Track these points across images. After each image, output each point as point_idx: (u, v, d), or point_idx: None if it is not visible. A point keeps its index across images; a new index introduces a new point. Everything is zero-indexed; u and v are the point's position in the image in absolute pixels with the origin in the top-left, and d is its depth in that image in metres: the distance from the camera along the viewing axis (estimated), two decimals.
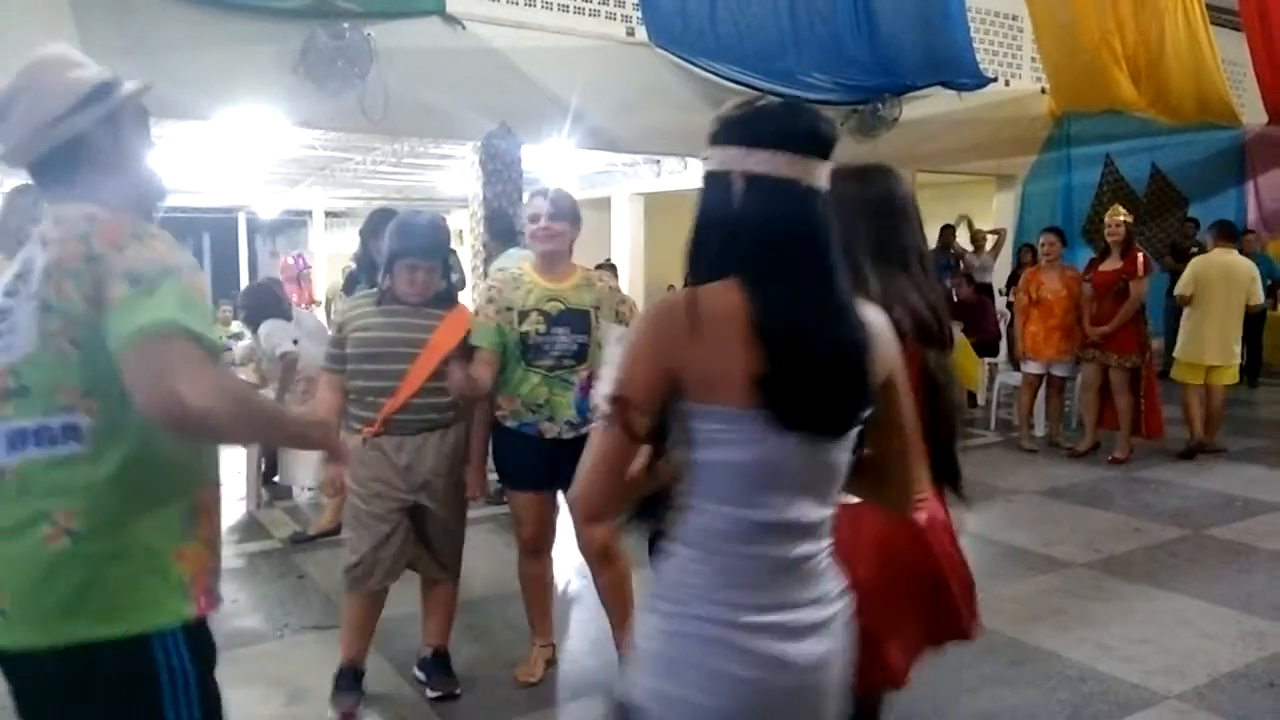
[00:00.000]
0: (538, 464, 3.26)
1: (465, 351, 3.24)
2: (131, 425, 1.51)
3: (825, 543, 1.51)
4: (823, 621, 1.49)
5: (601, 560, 3.31)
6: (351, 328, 3.22)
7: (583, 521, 1.48)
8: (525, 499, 3.34)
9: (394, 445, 3.19)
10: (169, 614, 1.56)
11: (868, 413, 1.47)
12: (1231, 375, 7.20)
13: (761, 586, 1.44)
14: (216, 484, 1.71)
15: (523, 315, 3.22)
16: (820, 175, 1.45)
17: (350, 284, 5.86)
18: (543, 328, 3.20)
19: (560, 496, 3.33)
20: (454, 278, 6.59)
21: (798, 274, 1.42)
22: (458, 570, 3.41)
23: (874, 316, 1.53)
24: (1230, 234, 7.41)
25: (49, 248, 1.53)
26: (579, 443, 3.12)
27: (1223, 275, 7.05)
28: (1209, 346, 7.01)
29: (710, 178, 1.48)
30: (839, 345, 1.43)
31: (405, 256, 3.19)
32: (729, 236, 1.45)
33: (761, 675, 1.43)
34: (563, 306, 3.22)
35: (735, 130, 1.46)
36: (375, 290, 3.29)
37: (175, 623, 1.56)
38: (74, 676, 1.54)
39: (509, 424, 3.27)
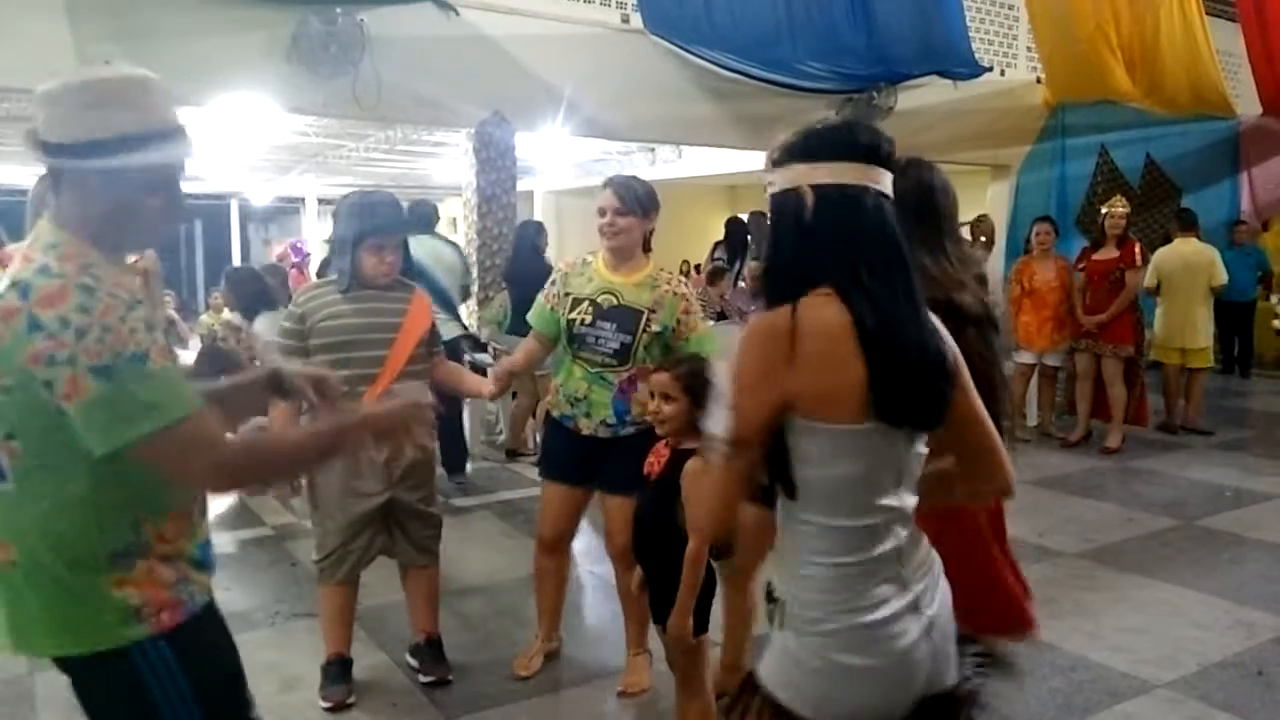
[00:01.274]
0: (572, 458, 3.26)
1: (431, 336, 3.25)
2: (57, 469, 1.49)
3: (915, 523, 1.59)
4: (931, 581, 1.58)
5: (625, 559, 3.23)
6: (318, 317, 3.10)
7: (710, 540, 1.56)
8: (552, 489, 3.34)
9: None
10: (119, 638, 1.54)
11: (950, 404, 1.54)
12: (1205, 358, 7.66)
13: (891, 575, 1.51)
14: (184, 513, 1.65)
15: (576, 303, 3.17)
16: (885, 182, 1.51)
17: (324, 268, 5.81)
18: (589, 318, 3.13)
19: (601, 496, 3.30)
20: (468, 284, 6.58)
21: (883, 277, 1.47)
22: (436, 554, 3.38)
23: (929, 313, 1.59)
24: (1190, 223, 7.88)
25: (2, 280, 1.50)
26: (616, 444, 3.16)
27: (1183, 264, 7.58)
28: (1176, 331, 7.56)
29: (778, 198, 1.53)
30: (927, 340, 1.50)
31: (372, 236, 3.09)
32: (806, 249, 1.49)
33: (912, 653, 1.51)
34: (615, 301, 3.13)
35: (797, 149, 1.51)
36: (337, 277, 3.16)
37: (133, 640, 1.54)
38: (76, 683, 1.59)
39: (554, 414, 3.28)
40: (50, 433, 1.46)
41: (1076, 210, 9.84)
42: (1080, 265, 7.05)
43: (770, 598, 1.58)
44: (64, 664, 1.58)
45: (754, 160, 8.60)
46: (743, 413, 1.44)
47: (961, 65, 8.78)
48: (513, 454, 6.75)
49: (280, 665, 3.48)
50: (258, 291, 5.66)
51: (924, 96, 8.84)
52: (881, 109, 8.61)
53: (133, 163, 1.52)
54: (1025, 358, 7.33)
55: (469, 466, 6.45)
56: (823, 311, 1.44)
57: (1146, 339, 7.67)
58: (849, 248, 1.47)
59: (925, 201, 2.18)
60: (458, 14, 6.82)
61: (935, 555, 1.63)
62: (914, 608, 1.52)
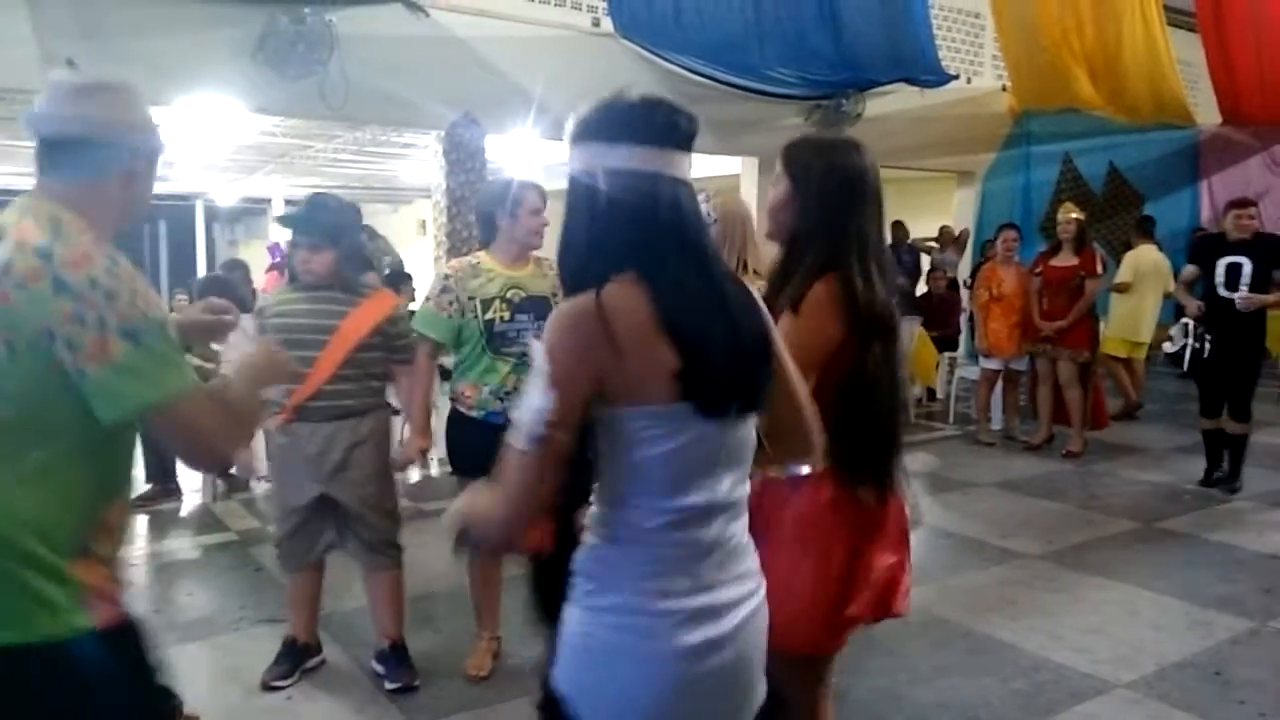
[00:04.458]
0: (489, 451, 3.23)
1: (386, 341, 3.25)
2: (42, 441, 1.47)
3: (743, 519, 1.55)
4: (743, 597, 1.52)
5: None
6: (269, 314, 3.23)
7: (503, 549, 1.48)
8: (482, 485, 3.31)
9: (307, 432, 3.19)
10: (63, 625, 1.49)
11: (772, 381, 1.52)
12: (1145, 350, 8.48)
13: (688, 571, 1.46)
14: (125, 503, 1.66)
15: (486, 304, 3.23)
16: (683, 166, 1.47)
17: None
18: (507, 315, 3.23)
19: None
20: (381, 262, 6.52)
21: (681, 264, 1.44)
22: (396, 559, 3.38)
23: (752, 289, 1.57)
24: (1148, 231, 8.58)
25: (2, 246, 1.49)
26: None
27: (1153, 267, 8.20)
28: (1143, 326, 8.21)
29: (575, 179, 1.48)
30: (739, 327, 1.46)
31: (292, 234, 3.26)
32: (600, 234, 1.46)
33: (692, 657, 1.45)
34: (524, 294, 3.26)
35: (593, 128, 1.47)
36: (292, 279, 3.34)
37: (77, 631, 1.50)
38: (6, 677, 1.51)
39: (474, 414, 3.25)
40: (50, 401, 1.45)
41: (1041, 217, 9.97)
42: (1036, 270, 7.13)
43: (571, 574, 1.54)
44: None
45: (723, 164, 8.65)
46: (559, 397, 1.38)
47: (928, 72, 8.87)
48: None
49: (244, 670, 3.44)
50: (223, 297, 5.59)
51: (891, 103, 8.92)
52: (849, 115, 8.68)
53: (130, 150, 1.63)
54: (992, 363, 7.41)
55: (433, 470, 6.43)
56: (626, 296, 1.41)
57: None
58: (643, 235, 1.43)
59: (847, 187, 2.08)
60: (428, 15, 6.80)
61: (759, 580, 1.57)
62: (706, 616, 1.46)
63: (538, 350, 1.42)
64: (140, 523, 5.15)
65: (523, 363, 3.19)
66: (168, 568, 4.61)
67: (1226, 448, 6.01)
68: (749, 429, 1.52)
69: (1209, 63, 10.34)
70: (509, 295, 3.25)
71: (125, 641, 1.58)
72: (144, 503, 5.35)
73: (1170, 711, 3.26)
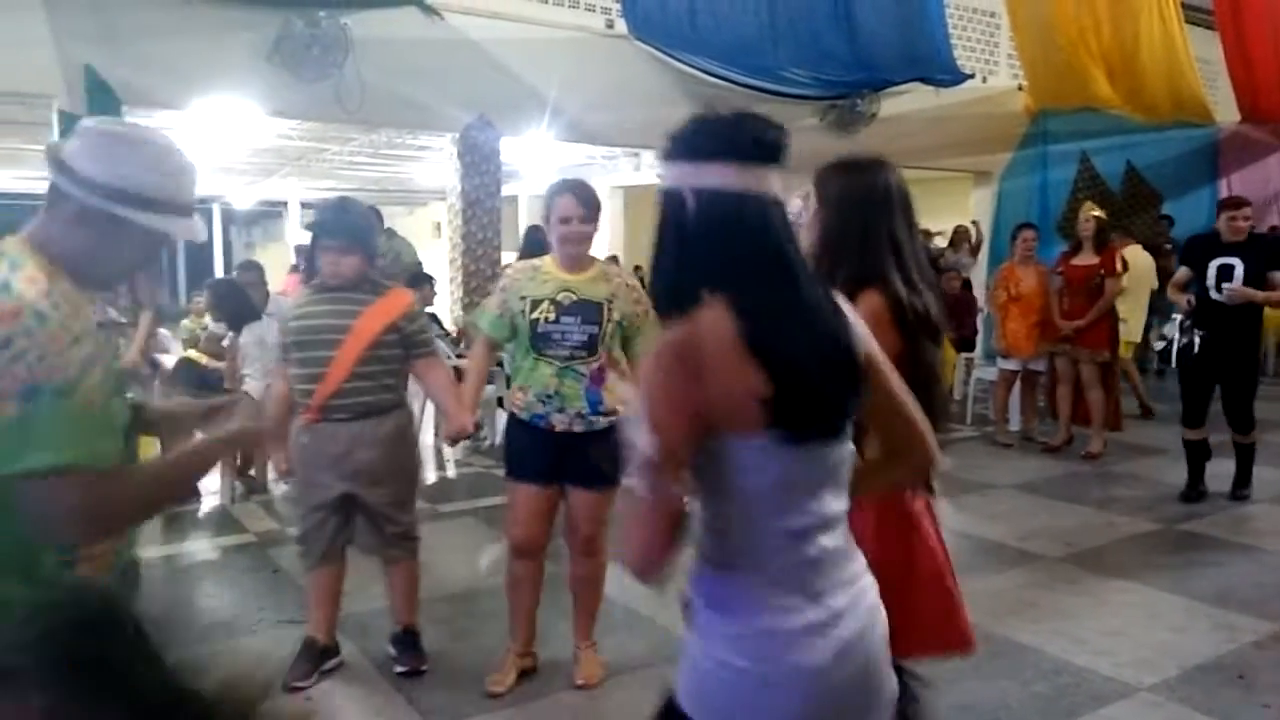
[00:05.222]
0: (542, 457, 3.25)
1: (403, 338, 3.30)
2: None
3: (844, 527, 1.55)
4: (856, 599, 1.52)
5: (586, 551, 3.34)
6: (289, 317, 3.31)
7: (643, 580, 1.49)
8: (523, 491, 3.30)
9: (329, 432, 3.24)
10: None
11: (861, 401, 1.51)
12: (1133, 350, 8.50)
13: (804, 586, 1.47)
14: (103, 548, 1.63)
15: (535, 304, 3.21)
16: (771, 182, 1.45)
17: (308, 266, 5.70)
18: (553, 316, 3.17)
19: (569, 491, 3.31)
20: (381, 262, 6.55)
21: (769, 286, 1.43)
22: (412, 550, 3.49)
23: (844, 302, 1.55)
24: (1134, 233, 8.77)
25: None
26: (588, 438, 3.19)
27: (1147, 268, 8.18)
28: (1136, 326, 8.16)
29: (664, 195, 1.47)
30: (825, 347, 1.45)
31: (318, 239, 3.29)
32: (688, 255, 1.45)
33: (822, 670, 1.46)
34: (575, 297, 3.19)
35: (681, 145, 1.46)
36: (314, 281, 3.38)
37: None
38: None
39: (522, 416, 3.27)
40: None
41: (1058, 216, 9.92)
42: (1058, 269, 7.09)
43: (683, 602, 1.55)
44: None
45: None
46: (663, 430, 1.36)
47: (943, 72, 8.85)
48: None
49: None
50: (240, 305, 5.61)
51: (907, 103, 8.89)
52: (864, 115, 8.66)
53: (142, 222, 1.58)
54: (1010, 364, 7.37)
55: (450, 472, 6.44)
56: (716, 322, 1.39)
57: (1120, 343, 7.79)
58: (730, 255, 1.42)
59: (873, 201, 2.16)
60: (442, 18, 6.82)
61: (869, 580, 1.57)
62: (827, 626, 1.46)
63: (627, 390, 1.45)
64: (158, 524, 5.18)
65: (568, 367, 3.17)
66: (186, 570, 4.64)
67: (1209, 459, 5.81)
68: (846, 446, 1.52)
69: (1227, 59, 10.28)
70: (559, 298, 3.19)
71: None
72: None
73: (1193, 715, 3.22)
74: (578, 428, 3.18)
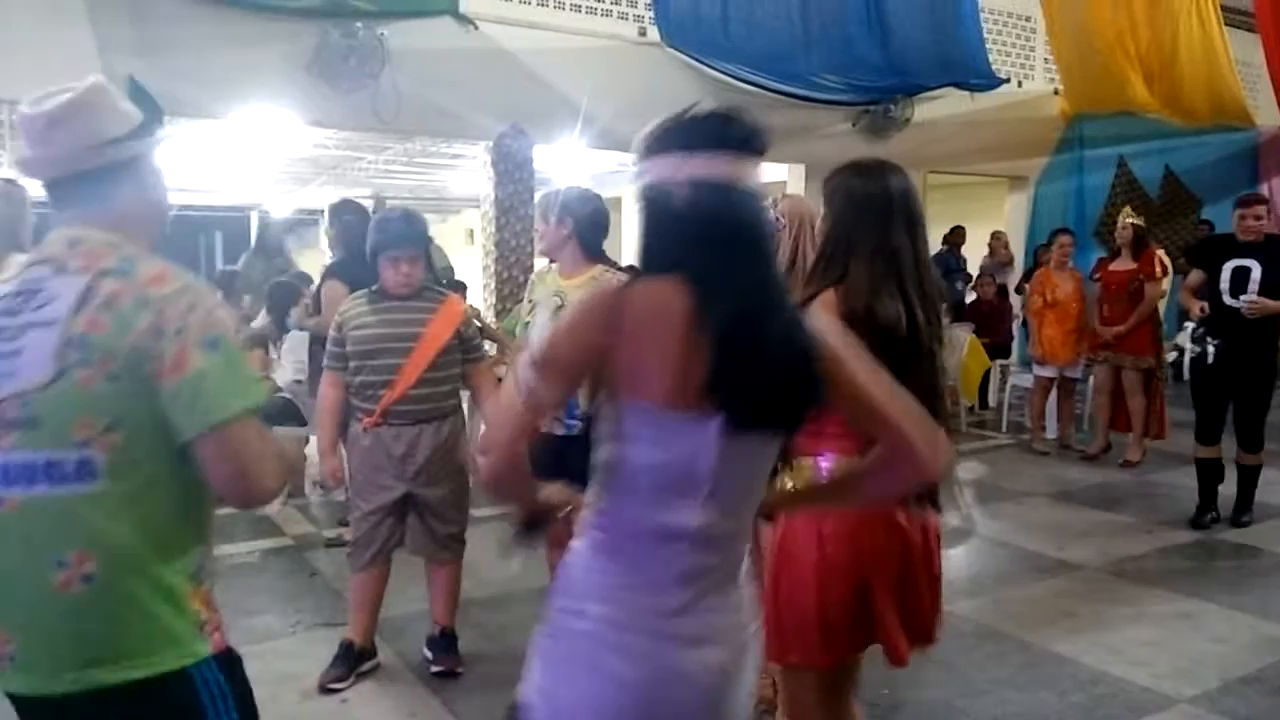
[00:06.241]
0: (557, 461, 3.25)
1: (461, 344, 3.39)
2: (155, 462, 1.46)
3: (735, 554, 1.50)
4: (724, 630, 1.48)
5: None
6: (350, 326, 3.35)
7: (488, 489, 1.53)
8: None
9: (392, 435, 3.31)
10: (189, 654, 1.49)
11: (818, 406, 1.48)
12: None
13: (663, 591, 1.43)
14: (212, 514, 1.64)
15: (532, 308, 3.36)
16: (741, 172, 1.47)
17: (335, 269, 5.53)
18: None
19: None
20: (438, 269, 6.61)
21: (739, 273, 1.43)
22: (459, 552, 3.54)
23: (807, 311, 1.56)
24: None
25: (72, 276, 1.47)
26: (573, 441, 3.19)
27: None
28: None
29: (647, 190, 1.48)
30: (786, 341, 1.43)
31: (386, 250, 3.31)
32: (655, 239, 1.48)
33: (651, 680, 1.41)
34: (559, 303, 3.28)
35: (652, 140, 1.49)
36: (369, 289, 3.41)
37: (200, 659, 1.50)
38: (114, 712, 1.48)
39: None
40: (155, 424, 1.43)
41: (1095, 222, 9.81)
42: (1096, 275, 7.01)
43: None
44: (86, 703, 1.45)
45: (769, 171, 8.63)
46: (552, 347, 1.43)
47: (978, 76, 8.79)
48: None
49: (300, 675, 3.49)
50: (290, 307, 5.67)
51: (941, 108, 8.84)
52: (898, 120, 8.62)
53: (128, 163, 1.59)
54: (1046, 371, 7.29)
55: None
56: (657, 295, 1.40)
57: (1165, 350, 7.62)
58: (692, 240, 1.42)
59: (878, 207, 2.12)
60: (476, 28, 6.88)
61: (757, 628, 1.54)
62: (691, 640, 1.43)
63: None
64: None
65: None
66: (224, 572, 4.70)
67: (1221, 482, 5.42)
68: (762, 461, 1.49)
69: (1268, 60, 10.10)
70: (549, 303, 3.31)
71: (233, 667, 1.58)
72: None
73: None
74: (558, 430, 3.21)
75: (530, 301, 3.39)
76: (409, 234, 3.35)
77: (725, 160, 1.43)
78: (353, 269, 4.18)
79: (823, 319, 1.89)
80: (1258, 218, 5.13)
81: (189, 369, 1.42)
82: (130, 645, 1.46)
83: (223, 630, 1.58)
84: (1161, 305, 7.05)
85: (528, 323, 3.37)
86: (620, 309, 1.40)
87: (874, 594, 2.11)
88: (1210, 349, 5.11)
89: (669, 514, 1.42)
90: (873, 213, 2.12)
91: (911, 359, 2.02)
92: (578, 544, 1.51)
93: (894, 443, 1.51)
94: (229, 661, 1.58)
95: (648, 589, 1.43)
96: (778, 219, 2.90)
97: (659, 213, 1.47)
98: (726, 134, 1.45)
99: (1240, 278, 5.04)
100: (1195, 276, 5.45)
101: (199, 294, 1.48)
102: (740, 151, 1.45)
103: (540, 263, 7.32)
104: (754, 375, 1.38)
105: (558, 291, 3.31)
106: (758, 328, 1.40)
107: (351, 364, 3.33)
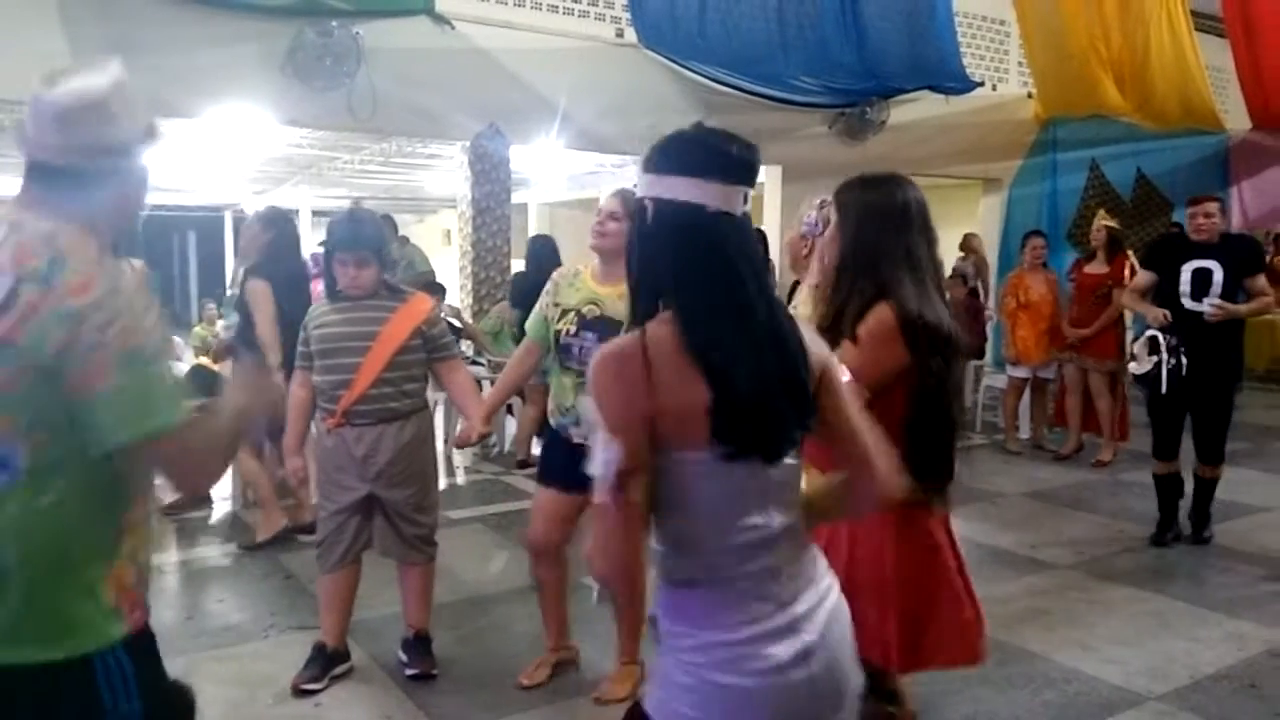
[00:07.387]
0: (565, 465, 3.19)
1: (426, 343, 3.36)
2: (76, 460, 1.47)
3: (799, 540, 1.54)
4: (819, 600, 1.53)
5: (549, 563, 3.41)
6: (312, 327, 3.35)
7: (613, 587, 1.54)
8: (543, 495, 3.35)
9: (354, 436, 3.30)
10: (104, 636, 1.51)
11: (810, 425, 1.50)
12: None
13: (749, 599, 1.47)
14: (146, 496, 1.64)
15: (564, 313, 3.19)
16: (734, 200, 1.46)
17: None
18: (573, 328, 3.15)
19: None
20: (398, 268, 6.60)
21: (714, 300, 1.43)
22: (430, 554, 3.51)
23: (803, 326, 1.55)
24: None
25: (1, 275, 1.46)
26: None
27: None
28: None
29: (636, 204, 1.52)
30: (769, 362, 1.44)
31: (333, 251, 3.33)
32: (645, 264, 1.49)
33: (781, 672, 1.46)
34: (598, 312, 3.14)
35: (650, 159, 1.49)
36: (331, 289, 3.41)
37: (114, 641, 1.52)
38: (11, 694, 1.50)
39: (552, 422, 3.31)
40: (72, 423, 1.45)
41: (1068, 224, 9.91)
42: (1072, 276, 7.10)
43: (651, 619, 1.56)
44: (4, 674, 1.49)
45: None
46: (621, 434, 1.38)
47: (953, 80, 8.85)
48: (523, 465, 6.48)
49: (275, 677, 3.46)
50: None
51: (916, 111, 8.90)
52: (874, 123, 8.67)
53: (125, 171, 1.60)
54: (1019, 371, 7.36)
55: (460, 479, 6.45)
56: (663, 334, 1.42)
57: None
58: (679, 267, 1.44)
59: (890, 217, 2.25)
60: (453, 27, 6.86)
61: (829, 581, 1.57)
62: (789, 630, 1.48)
63: (586, 403, 1.44)
64: (170, 530, 5.20)
65: (583, 382, 3.11)
66: (198, 575, 4.65)
67: (1182, 496, 5.13)
68: (789, 465, 1.51)
69: (1237, 65, 10.26)
70: (584, 310, 3.16)
71: (145, 650, 1.59)
72: (173, 510, 5.41)
73: None
74: (575, 438, 3.17)
75: (557, 305, 3.21)
76: (356, 236, 3.29)
77: (695, 183, 1.44)
78: (269, 269, 4.81)
79: (876, 333, 1.96)
80: (1208, 215, 4.86)
81: (104, 384, 1.42)
82: (35, 629, 1.48)
83: (145, 606, 1.59)
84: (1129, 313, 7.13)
85: (560, 330, 3.17)
86: (649, 364, 1.41)
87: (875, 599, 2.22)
88: (1183, 360, 4.73)
89: (736, 535, 1.46)
90: (894, 224, 2.22)
91: (954, 358, 2.22)
92: (664, 583, 1.53)
93: (860, 462, 1.57)
94: (141, 644, 1.58)
95: (735, 605, 1.47)
96: (818, 224, 2.76)
97: (641, 234, 1.50)
98: (700, 156, 1.45)
99: (1202, 280, 4.78)
100: (1143, 278, 5.15)
101: (121, 305, 1.45)
102: (710, 174, 1.44)
103: (517, 264, 7.32)
104: (740, 407, 1.41)
105: (594, 299, 3.15)
106: (738, 359, 1.41)
107: (315, 363, 3.33)
